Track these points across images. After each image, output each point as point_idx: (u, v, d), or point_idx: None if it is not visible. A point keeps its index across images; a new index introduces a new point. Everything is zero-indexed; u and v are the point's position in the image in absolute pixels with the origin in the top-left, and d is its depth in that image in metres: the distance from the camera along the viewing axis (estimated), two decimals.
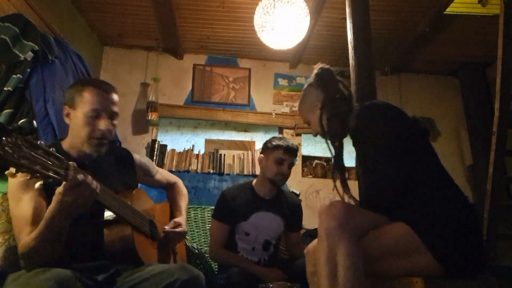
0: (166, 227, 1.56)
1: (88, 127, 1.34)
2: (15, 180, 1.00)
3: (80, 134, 1.35)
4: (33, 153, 0.94)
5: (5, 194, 1.50)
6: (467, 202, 1.23)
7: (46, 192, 1.21)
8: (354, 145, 1.50)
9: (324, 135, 1.53)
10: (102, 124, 1.36)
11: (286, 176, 2.09)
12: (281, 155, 2.03)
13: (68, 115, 1.40)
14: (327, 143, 1.55)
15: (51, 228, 1.10)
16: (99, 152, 1.39)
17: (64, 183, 1.06)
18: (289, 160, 2.06)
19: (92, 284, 1.13)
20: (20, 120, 1.92)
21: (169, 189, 1.85)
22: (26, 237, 1.15)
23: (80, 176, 1.07)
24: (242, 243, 2.07)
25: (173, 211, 1.75)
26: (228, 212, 2.06)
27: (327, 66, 1.62)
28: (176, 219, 1.63)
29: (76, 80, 1.42)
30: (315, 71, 1.62)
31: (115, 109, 1.42)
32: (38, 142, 0.96)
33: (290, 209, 2.18)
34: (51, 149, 1.01)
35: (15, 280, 1.10)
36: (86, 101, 1.35)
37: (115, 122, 1.43)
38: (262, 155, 2.12)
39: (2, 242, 1.38)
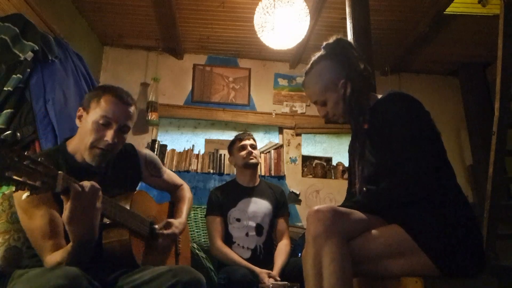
0: (156, 226, 1.44)
1: (94, 135, 1.27)
2: (22, 194, 0.98)
3: (84, 140, 1.28)
4: (18, 164, 0.90)
5: (4, 194, 1.50)
6: (465, 202, 1.21)
7: (58, 203, 1.18)
8: (368, 133, 1.34)
9: (351, 113, 1.36)
10: (109, 135, 1.28)
11: (254, 155, 2.31)
12: (240, 143, 2.33)
13: (80, 117, 1.33)
14: (353, 124, 1.37)
15: (77, 250, 1.09)
16: (99, 163, 1.30)
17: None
18: (247, 142, 2.33)
19: (98, 284, 1.12)
20: (20, 121, 1.92)
21: (174, 192, 1.75)
22: (51, 254, 1.13)
23: (75, 185, 1.05)
24: (236, 232, 2.16)
25: (173, 213, 1.67)
26: (218, 204, 2.21)
27: (345, 38, 1.44)
28: (170, 220, 1.52)
29: (99, 85, 1.36)
30: (330, 41, 1.43)
31: (129, 123, 1.35)
32: (25, 153, 0.92)
33: (275, 194, 2.33)
34: (39, 159, 0.97)
35: (21, 276, 1.09)
36: (100, 107, 1.29)
37: (125, 136, 1.36)
38: (229, 157, 2.45)
39: (2, 242, 1.38)
